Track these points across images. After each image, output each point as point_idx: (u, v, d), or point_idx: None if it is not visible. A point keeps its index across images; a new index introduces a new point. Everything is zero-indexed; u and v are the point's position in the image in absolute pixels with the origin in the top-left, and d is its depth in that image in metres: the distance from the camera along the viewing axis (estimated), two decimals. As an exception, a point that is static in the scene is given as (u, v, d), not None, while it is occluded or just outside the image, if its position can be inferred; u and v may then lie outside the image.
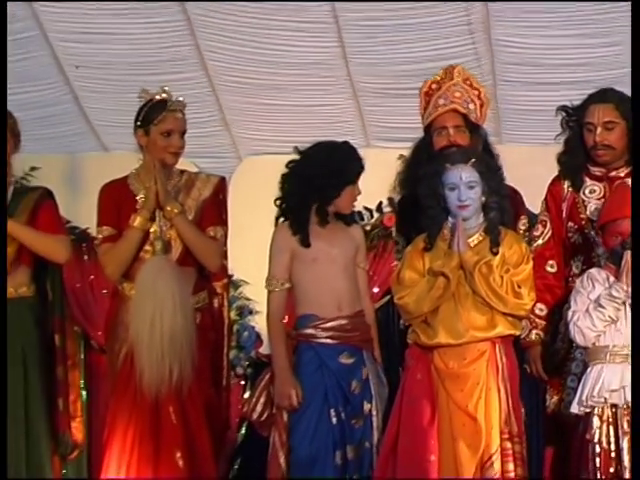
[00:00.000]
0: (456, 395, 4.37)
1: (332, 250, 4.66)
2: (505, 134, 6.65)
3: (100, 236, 4.81)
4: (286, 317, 4.80)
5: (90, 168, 6.98)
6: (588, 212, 4.81)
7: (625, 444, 4.36)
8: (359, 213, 6.70)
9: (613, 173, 4.80)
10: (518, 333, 4.54)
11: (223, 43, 6.57)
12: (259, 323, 6.97)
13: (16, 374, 4.72)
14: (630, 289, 4.39)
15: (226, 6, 6.37)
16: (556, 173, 4.91)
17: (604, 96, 4.77)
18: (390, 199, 6.77)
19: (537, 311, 4.73)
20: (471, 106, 4.76)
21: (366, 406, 4.59)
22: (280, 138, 6.73)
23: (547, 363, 4.78)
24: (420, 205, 4.50)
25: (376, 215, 7.03)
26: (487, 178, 4.47)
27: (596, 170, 4.82)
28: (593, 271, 4.55)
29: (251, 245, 6.22)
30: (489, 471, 4.32)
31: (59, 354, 4.89)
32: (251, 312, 7.06)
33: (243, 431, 6.49)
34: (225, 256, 4.97)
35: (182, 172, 4.90)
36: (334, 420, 4.53)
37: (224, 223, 4.89)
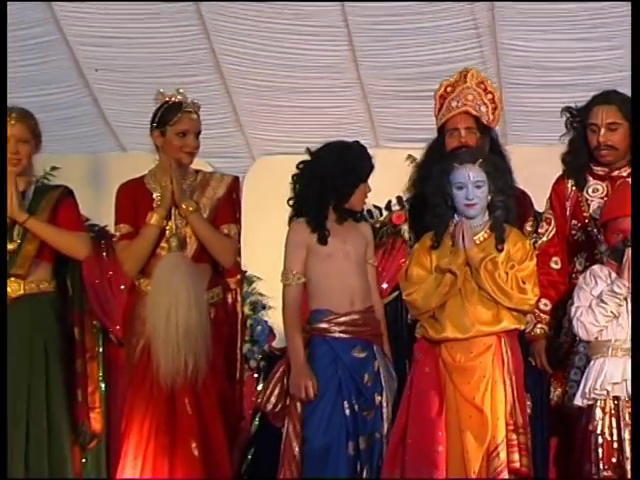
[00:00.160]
0: (463, 388, 4.37)
1: (346, 247, 4.66)
2: (511, 135, 6.64)
3: (118, 234, 4.82)
4: (298, 312, 4.80)
5: (109, 168, 6.99)
6: (591, 210, 4.80)
7: (627, 435, 4.36)
8: (369, 211, 6.70)
9: (615, 172, 4.80)
10: (522, 327, 4.54)
11: (237, 47, 6.57)
12: (272, 318, 6.97)
13: (38, 366, 4.74)
14: (631, 285, 4.38)
15: (241, 11, 6.37)
16: (560, 172, 4.91)
17: (607, 98, 4.76)
18: (399, 198, 6.77)
19: (542, 306, 4.73)
20: (483, 109, 4.77)
21: (377, 398, 4.59)
22: (292, 139, 6.73)
23: (551, 357, 4.78)
24: (428, 203, 4.51)
25: (385, 213, 7.02)
26: (493, 178, 4.47)
27: (599, 170, 4.82)
28: (595, 268, 4.55)
29: (264, 242, 6.23)
30: (495, 461, 4.33)
31: (78, 347, 4.90)
32: (264, 307, 7.06)
33: (256, 422, 6.48)
34: (239, 253, 4.97)
35: (197, 172, 4.90)
36: (347, 412, 4.53)
37: (238, 221, 4.90)
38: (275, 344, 6.93)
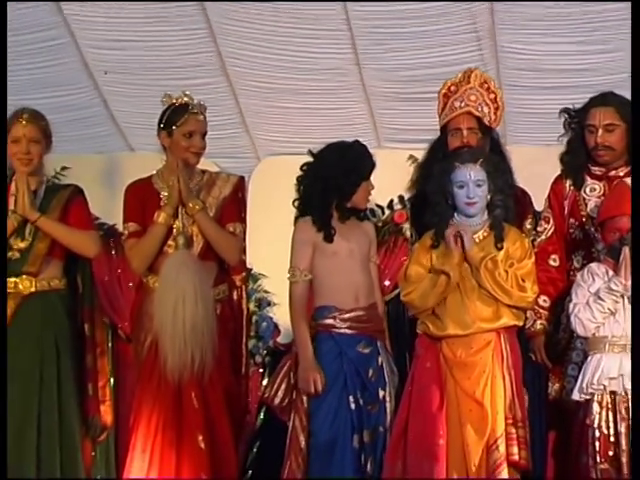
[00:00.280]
0: (464, 382, 4.38)
1: (350, 245, 4.66)
2: (510, 136, 6.63)
3: (126, 232, 4.82)
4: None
5: (117, 167, 6.99)
6: (588, 209, 4.80)
7: (623, 429, 4.36)
8: (371, 210, 6.70)
9: (612, 172, 4.80)
10: (521, 324, 4.54)
11: (243, 50, 6.57)
12: (277, 314, 6.97)
13: (49, 361, 4.74)
14: (630, 282, 4.38)
15: (246, 15, 6.37)
16: (559, 172, 4.91)
17: (605, 100, 4.76)
18: (401, 197, 6.77)
19: (541, 302, 4.73)
20: (485, 109, 4.77)
21: (380, 393, 4.59)
22: (297, 139, 6.73)
23: (550, 352, 4.78)
24: (428, 202, 4.51)
25: (387, 212, 7.03)
26: (493, 177, 4.48)
27: (596, 169, 4.82)
28: (593, 265, 4.55)
29: (269, 240, 6.23)
30: (494, 454, 4.33)
31: (89, 342, 4.91)
32: (269, 304, 7.06)
33: (261, 416, 6.48)
34: (244, 251, 4.97)
35: (203, 172, 4.90)
36: (352, 406, 4.53)
37: (243, 220, 4.89)
38: (280, 340, 6.94)
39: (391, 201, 6.97)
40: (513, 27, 6.31)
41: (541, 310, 4.75)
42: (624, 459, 4.33)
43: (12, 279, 4.79)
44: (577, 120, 4.79)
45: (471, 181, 4.43)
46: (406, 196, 5.78)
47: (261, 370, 6.83)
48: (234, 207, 4.85)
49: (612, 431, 4.37)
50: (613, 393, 4.40)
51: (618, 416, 4.37)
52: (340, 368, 4.56)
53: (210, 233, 4.75)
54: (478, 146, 4.69)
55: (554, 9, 6.18)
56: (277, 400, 4.63)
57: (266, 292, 7.07)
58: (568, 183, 4.85)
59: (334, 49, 6.54)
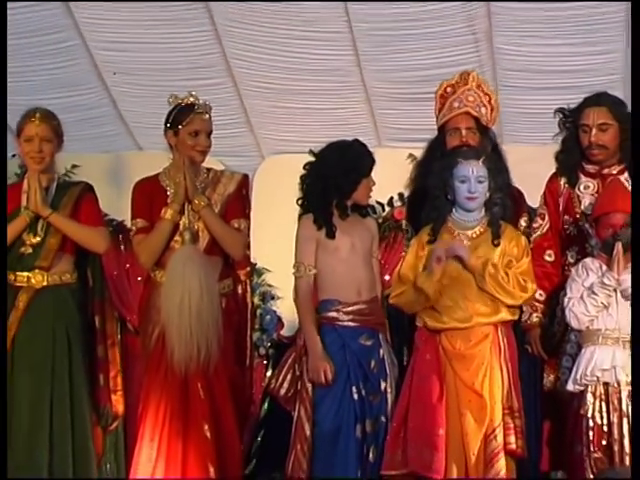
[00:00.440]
0: (463, 374, 4.38)
1: (352, 240, 4.67)
2: (506, 135, 6.63)
3: (134, 228, 4.82)
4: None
5: (126, 165, 7.00)
6: (582, 206, 4.80)
7: (615, 419, 4.36)
8: (372, 207, 6.69)
9: (606, 170, 4.80)
10: (517, 318, 4.55)
11: (248, 51, 6.57)
12: (280, 307, 6.97)
13: (61, 352, 4.75)
14: (623, 277, 4.38)
15: (251, 18, 6.37)
16: (553, 170, 4.90)
17: (598, 100, 4.76)
18: (400, 194, 6.78)
19: (537, 296, 4.73)
20: (483, 110, 4.78)
21: (382, 384, 4.59)
22: (300, 138, 6.73)
23: (545, 344, 4.78)
24: (428, 196, 4.51)
25: (387, 209, 7.03)
26: (494, 175, 4.49)
27: (590, 168, 4.82)
28: (587, 260, 4.55)
29: (273, 236, 6.23)
30: (492, 443, 4.34)
31: (99, 334, 4.92)
32: (273, 297, 7.06)
33: (265, 406, 6.48)
34: (248, 246, 4.97)
35: (209, 170, 4.90)
36: (355, 396, 4.53)
37: (247, 216, 4.90)
38: (283, 332, 6.94)
39: (391, 198, 6.97)
40: (509, 29, 6.30)
41: (537, 304, 4.76)
42: (616, 447, 4.33)
43: (25, 273, 4.80)
44: (571, 120, 4.79)
45: (473, 177, 4.44)
46: (405, 193, 5.78)
47: (265, 362, 6.82)
48: (238, 204, 4.85)
49: (605, 421, 4.38)
50: (606, 384, 4.40)
51: (610, 406, 4.38)
52: (343, 360, 4.56)
53: (215, 229, 4.75)
54: (479, 145, 4.69)
55: (549, 12, 6.18)
56: (282, 391, 4.64)
57: (270, 286, 7.07)
58: (563, 181, 4.85)
59: (336, 51, 6.54)
